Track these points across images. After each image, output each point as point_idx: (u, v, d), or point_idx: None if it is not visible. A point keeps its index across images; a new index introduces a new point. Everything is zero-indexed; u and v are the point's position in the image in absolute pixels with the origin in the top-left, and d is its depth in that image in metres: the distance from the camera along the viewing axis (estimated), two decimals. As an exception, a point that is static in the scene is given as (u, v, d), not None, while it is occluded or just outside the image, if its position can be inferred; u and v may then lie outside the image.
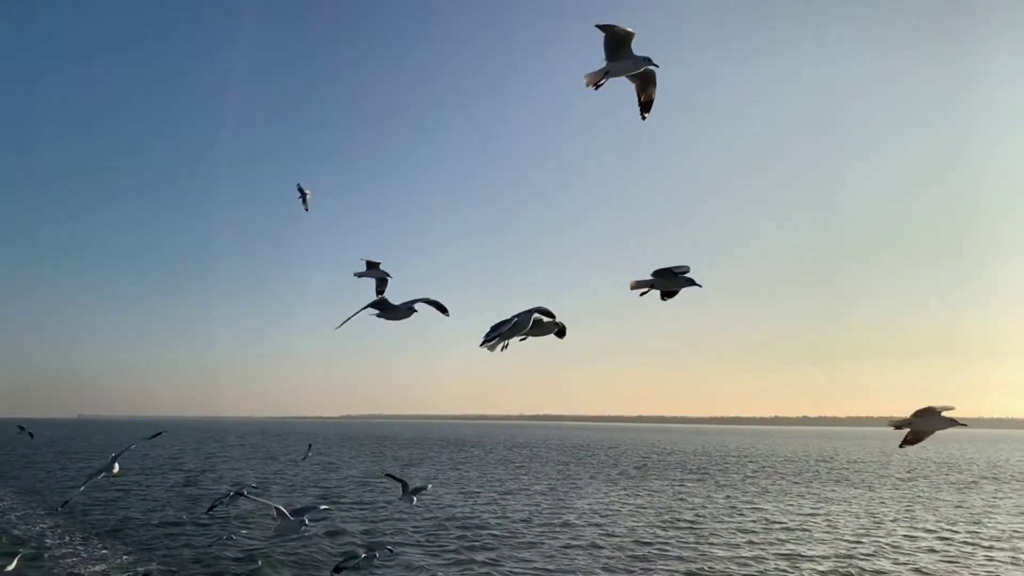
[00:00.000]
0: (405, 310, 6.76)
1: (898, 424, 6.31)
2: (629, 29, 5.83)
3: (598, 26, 5.78)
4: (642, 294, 6.21)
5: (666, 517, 25.54)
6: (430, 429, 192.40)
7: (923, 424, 6.12)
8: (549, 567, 17.36)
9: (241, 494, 13.17)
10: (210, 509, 13.03)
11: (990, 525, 25.49)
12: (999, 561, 19.05)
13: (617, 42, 5.89)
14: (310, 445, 48.75)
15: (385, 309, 6.80)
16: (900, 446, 6.52)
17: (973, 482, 43.85)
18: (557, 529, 22.55)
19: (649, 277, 6.25)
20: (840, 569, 17.55)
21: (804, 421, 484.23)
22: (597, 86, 6.11)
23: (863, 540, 21.60)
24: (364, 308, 6.68)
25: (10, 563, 14.41)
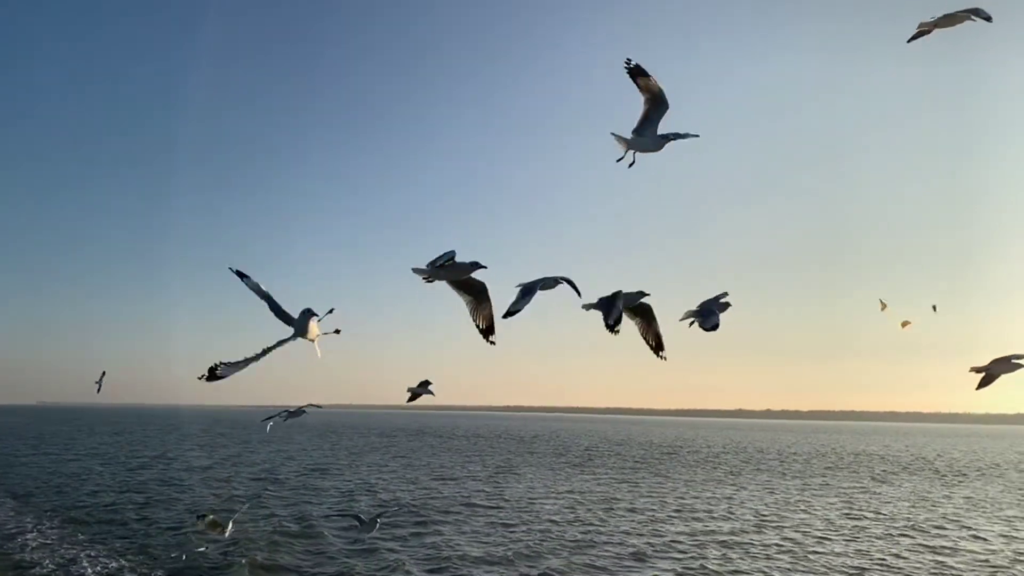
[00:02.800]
0: (469, 265, 5.97)
1: (978, 369, 6.82)
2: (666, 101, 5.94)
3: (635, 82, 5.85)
4: (690, 324, 6.65)
5: (583, 501, 27.91)
6: (395, 419, 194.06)
7: (996, 368, 6.68)
8: (462, 544, 19.50)
9: (303, 411, 13.15)
10: (266, 419, 12.84)
11: (876, 510, 28.30)
12: (866, 540, 21.71)
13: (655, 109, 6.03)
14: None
15: (450, 267, 6.02)
16: (976, 389, 6.97)
17: (892, 473, 47.07)
18: (478, 511, 24.76)
19: (695, 310, 6.65)
20: (718, 543, 20.00)
21: (767, 415, 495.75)
22: (630, 165, 6.24)
23: (752, 521, 24.16)
24: (441, 258, 5.89)
25: None
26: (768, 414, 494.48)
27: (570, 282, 6.02)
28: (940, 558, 19.15)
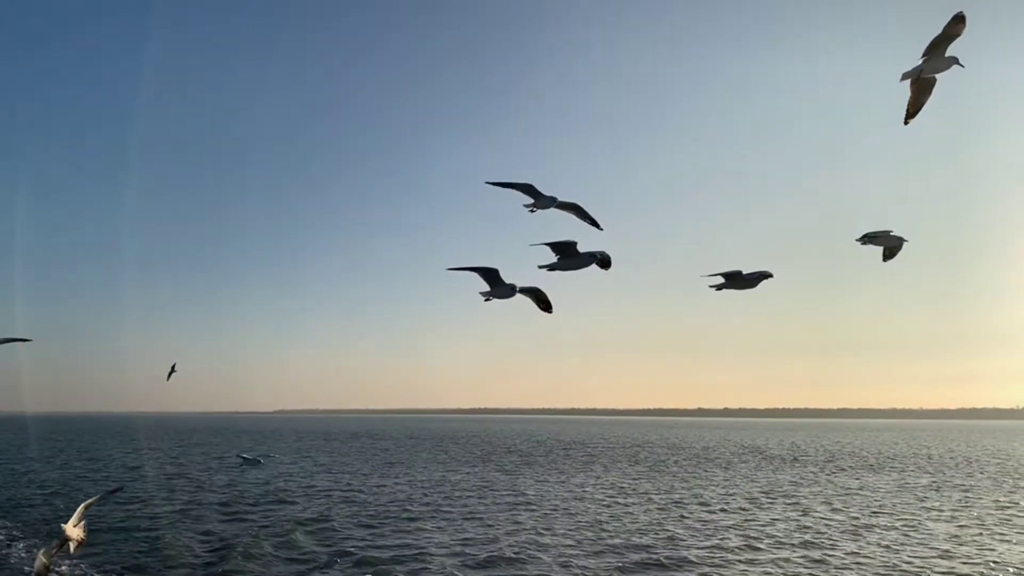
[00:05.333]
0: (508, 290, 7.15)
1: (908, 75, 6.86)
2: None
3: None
4: (719, 288, 6.92)
5: (509, 497, 30.49)
6: (363, 423, 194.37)
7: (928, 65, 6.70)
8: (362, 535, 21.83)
9: (258, 460, 14.45)
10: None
11: (738, 500, 31.44)
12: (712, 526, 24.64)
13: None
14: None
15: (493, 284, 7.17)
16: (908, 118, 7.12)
17: (818, 465, 50.76)
18: (387, 507, 27.14)
19: (720, 279, 6.91)
20: (589, 530, 22.69)
21: (725, 413, 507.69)
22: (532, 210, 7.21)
23: (647, 512, 26.99)
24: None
25: None
26: (726, 412, 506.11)
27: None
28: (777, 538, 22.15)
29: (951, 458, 60.64)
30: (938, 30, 6.56)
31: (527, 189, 6.87)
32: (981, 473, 45.47)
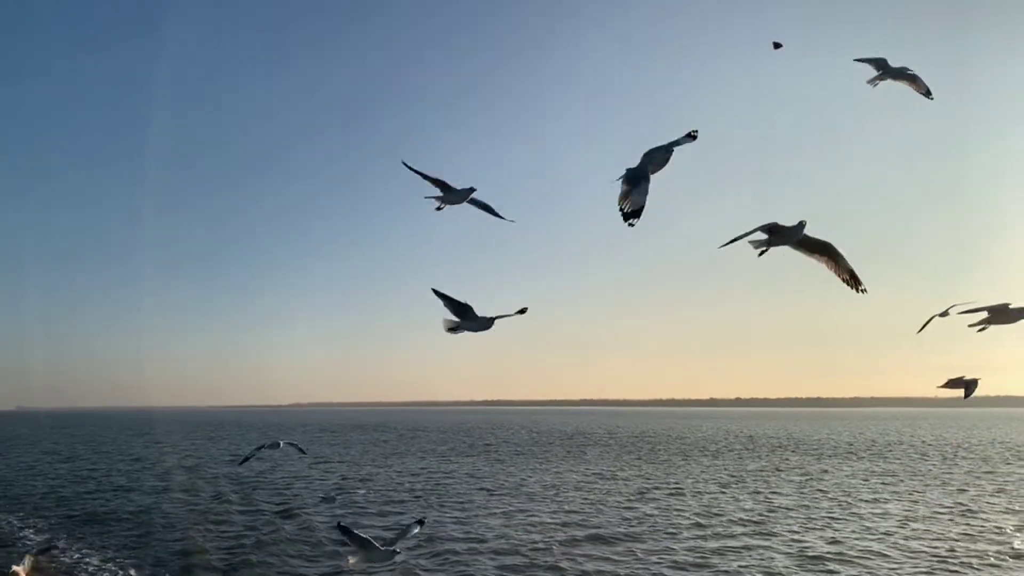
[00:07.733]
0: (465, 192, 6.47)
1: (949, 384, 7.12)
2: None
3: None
4: (760, 254, 6.05)
5: (488, 486, 32.62)
6: (373, 415, 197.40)
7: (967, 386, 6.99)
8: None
9: (277, 445, 15.20)
10: (243, 462, 15.00)
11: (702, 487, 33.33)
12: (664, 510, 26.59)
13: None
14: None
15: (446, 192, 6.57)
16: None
17: (774, 453, 52.51)
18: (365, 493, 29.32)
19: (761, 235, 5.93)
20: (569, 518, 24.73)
21: (737, 403, 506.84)
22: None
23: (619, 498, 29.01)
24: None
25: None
26: (738, 402, 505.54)
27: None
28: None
29: (934, 445, 62.02)
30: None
31: (440, 185, 6.45)
32: (952, 460, 46.97)
